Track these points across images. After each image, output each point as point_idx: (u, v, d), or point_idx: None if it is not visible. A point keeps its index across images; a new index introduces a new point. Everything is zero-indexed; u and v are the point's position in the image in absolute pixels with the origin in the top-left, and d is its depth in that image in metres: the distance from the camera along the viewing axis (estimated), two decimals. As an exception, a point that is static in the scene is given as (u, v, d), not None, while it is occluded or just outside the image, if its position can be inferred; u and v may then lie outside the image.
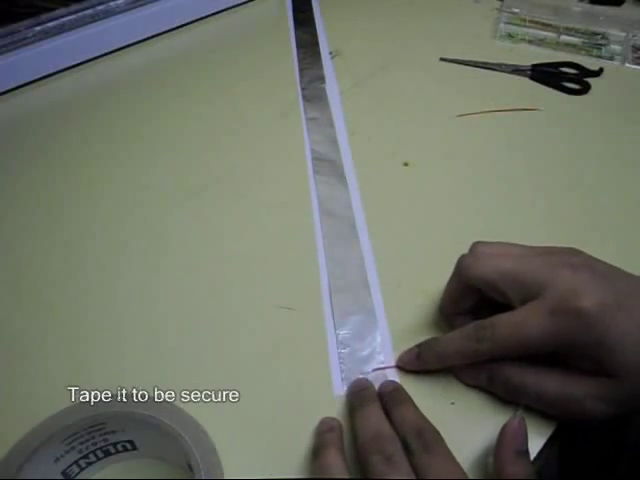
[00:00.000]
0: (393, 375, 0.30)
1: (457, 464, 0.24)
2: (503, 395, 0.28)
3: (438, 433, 0.25)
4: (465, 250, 0.30)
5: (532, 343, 0.26)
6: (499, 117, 0.48)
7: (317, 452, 0.26)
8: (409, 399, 0.27)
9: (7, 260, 0.37)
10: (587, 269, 0.27)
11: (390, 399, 0.27)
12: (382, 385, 0.29)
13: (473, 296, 0.30)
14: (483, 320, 0.28)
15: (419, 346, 0.30)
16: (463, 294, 0.30)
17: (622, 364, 0.25)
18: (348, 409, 0.28)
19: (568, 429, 0.28)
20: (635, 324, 0.25)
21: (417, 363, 0.30)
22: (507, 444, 0.24)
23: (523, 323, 0.26)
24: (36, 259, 0.37)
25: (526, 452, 0.24)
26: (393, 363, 0.31)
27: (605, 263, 0.28)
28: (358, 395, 0.28)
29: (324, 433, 0.27)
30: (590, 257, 0.28)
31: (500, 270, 0.28)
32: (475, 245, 0.30)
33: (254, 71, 0.54)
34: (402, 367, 0.30)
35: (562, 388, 0.26)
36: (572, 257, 0.28)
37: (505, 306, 0.28)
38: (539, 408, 0.27)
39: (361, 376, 0.30)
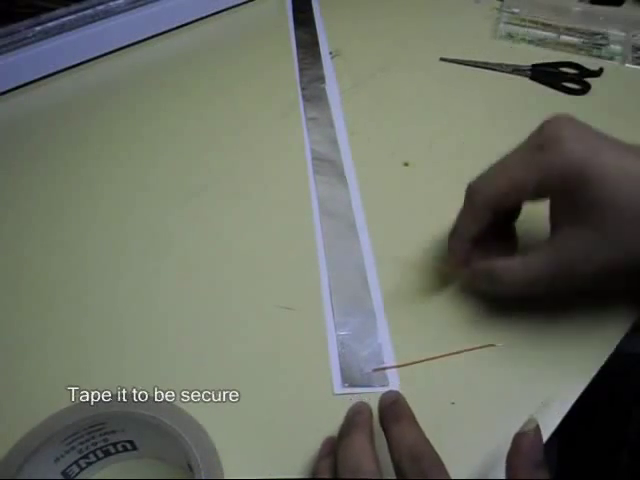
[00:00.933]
0: (393, 375, 0.30)
1: None
2: (506, 286, 0.29)
3: (438, 459, 0.23)
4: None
5: (518, 180, 0.27)
6: (499, 118, 0.48)
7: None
8: (409, 415, 0.25)
9: (7, 260, 0.37)
10: (577, 122, 0.28)
11: (389, 414, 0.25)
12: (382, 398, 0.26)
13: (487, 218, 0.30)
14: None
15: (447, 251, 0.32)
16: (476, 219, 0.30)
17: (605, 196, 0.25)
18: (338, 435, 0.26)
19: (568, 429, 0.28)
20: (617, 156, 0.26)
21: (451, 260, 0.32)
22: (523, 455, 0.23)
23: (508, 162, 0.28)
24: (36, 259, 0.37)
25: (543, 462, 0.23)
26: (393, 363, 0.31)
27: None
28: (349, 420, 0.26)
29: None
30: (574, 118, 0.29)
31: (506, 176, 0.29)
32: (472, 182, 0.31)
33: (254, 71, 0.54)
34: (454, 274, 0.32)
35: (549, 263, 0.27)
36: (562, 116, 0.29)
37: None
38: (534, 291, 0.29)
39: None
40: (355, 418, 0.26)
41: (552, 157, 0.26)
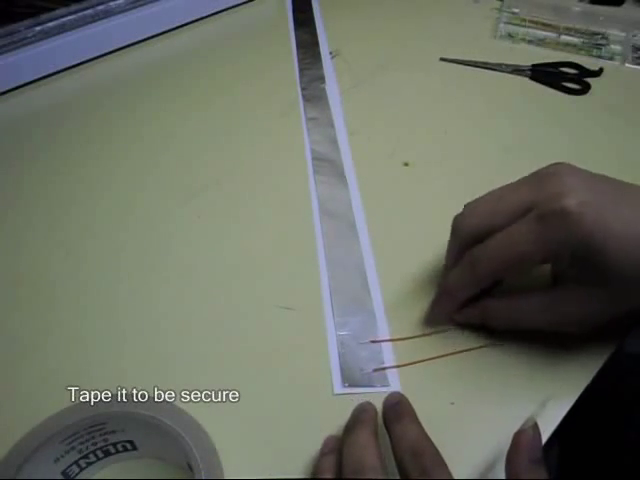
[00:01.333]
0: (394, 375, 0.30)
1: None
2: (497, 326, 0.30)
3: (439, 456, 0.23)
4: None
5: (525, 253, 0.26)
6: (498, 117, 0.49)
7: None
8: (411, 413, 0.26)
9: (7, 260, 0.37)
10: (572, 175, 0.27)
11: (391, 413, 0.26)
12: (386, 399, 0.27)
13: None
14: (477, 246, 0.28)
15: (432, 303, 0.32)
16: (462, 253, 0.30)
17: (611, 265, 0.25)
18: (343, 431, 0.27)
19: (568, 429, 0.28)
20: (621, 222, 0.25)
21: (434, 314, 0.31)
22: (522, 453, 0.23)
23: (514, 234, 0.27)
24: (36, 259, 0.37)
25: (542, 460, 0.23)
26: (393, 363, 0.31)
27: (590, 171, 0.28)
28: (354, 417, 0.27)
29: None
30: (574, 166, 0.28)
31: (487, 211, 0.28)
32: (465, 206, 0.31)
33: (254, 71, 0.54)
34: (433, 322, 0.31)
35: (552, 310, 0.27)
36: (556, 166, 0.28)
37: None
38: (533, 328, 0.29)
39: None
40: (360, 416, 0.26)
41: (557, 232, 0.26)
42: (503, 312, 0.30)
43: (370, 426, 0.25)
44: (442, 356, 0.31)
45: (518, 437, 0.24)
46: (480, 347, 0.31)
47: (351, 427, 0.25)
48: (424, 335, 0.31)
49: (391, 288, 0.34)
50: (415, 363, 0.31)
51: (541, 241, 0.26)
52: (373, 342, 0.31)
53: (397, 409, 0.26)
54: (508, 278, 0.31)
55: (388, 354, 0.31)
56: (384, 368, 0.30)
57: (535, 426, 0.24)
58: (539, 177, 0.28)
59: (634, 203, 0.26)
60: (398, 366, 0.30)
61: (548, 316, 0.28)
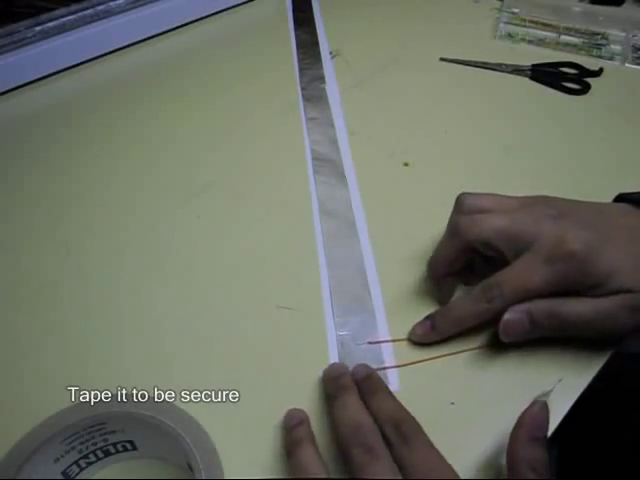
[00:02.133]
0: (393, 375, 0.30)
1: (438, 453, 0.24)
2: (549, 332, 0.30)
3: (416, 423, 0.25)
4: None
5: (537, 291, 0.29)
6: (498, 117, 0.49)
7: (291, 450, 0.26)
8: (384, 387, 0.27)
9: (7, 260, 0.37)
10: (565, 217, 0.30)
11: (365, 388, 0.27)
12: (355, 371, 0.29)
13: (467, 256, 0.32)
14: (487, 280, 0.30)
15: (430, 317, 0.31)
16: (459, 255, 0.32)
17: (624, 282, 0.28)
18: (325, 396, 0.29)
19: (567, 429, 0.28)
20: (622, 252, 0.28)
21: (433, 334, 0.31)
22: (524, 427, 0.24)
23: (526, 275, 0.29)
24: (36, 259, 0.37)
25: (543, 439, 0.24)
26: (393, 363, 0.31)
27: (573, 203, 0.31)
28: (334, 383, 0.28)
29: (294, 428, 0.27)
30: (561, 202, 0.31)
31: (495, 229, 0.30)
32: (463, 200, 0.32)
33: (254, 71, 0.54)
34: (417, 342, 0.31)
35: (595, 307, 0.28)
36: (549, 209, 0.30)
37: (488, 262, 0.31)
38: (578, 333, 0.29)
39: (335, 361, 0.30)
40: (340, 381, 0.28)
41: (567, 273, 0.28)
42: (552, 306, 0.29)
43: (354, 390, 0.27)
44: (442, 356, 0.31)
45: (523, 414, 0.25)
46: (480, 347, 0.31)
47: (337, 393, 0.27)
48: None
49: (391, 288, 0.34)
50: (415, 363, 0.31)
51: (554, 281, 0.28)
52: (370, 343, 0.31)
53: (369, 384, 0.28)
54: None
55: (388, 354, 0.31)
56: (384, 368, 0.30)
57: (543, 405, 0.25)
58: (536, 215, 0.30)
59: (623, 238, 0.29)
60: (398, 366, 0.30)
61: (594, 311, 0.29)
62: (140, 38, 0.57)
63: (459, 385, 0.30)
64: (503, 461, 0.25)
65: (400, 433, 0.24)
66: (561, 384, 0.29)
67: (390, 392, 0.27)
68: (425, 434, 0.25)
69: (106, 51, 0.56)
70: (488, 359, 0.31)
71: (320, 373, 0.30)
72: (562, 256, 0.28)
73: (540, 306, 0.29)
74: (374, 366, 0.30)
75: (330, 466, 0.25)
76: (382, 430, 0.25)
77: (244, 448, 0.27)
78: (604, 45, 0.58)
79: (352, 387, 0.27)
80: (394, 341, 0.32)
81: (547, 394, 0.25)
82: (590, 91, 0.51)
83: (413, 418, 0.25)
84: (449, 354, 0.31)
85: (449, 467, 0.24)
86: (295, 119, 0.48)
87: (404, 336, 0.32)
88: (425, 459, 0.23)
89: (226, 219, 0.39)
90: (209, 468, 0.23)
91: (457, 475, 0.23)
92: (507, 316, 0.29)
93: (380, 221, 0.39)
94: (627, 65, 0.55)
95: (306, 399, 0.29)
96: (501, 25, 0.60)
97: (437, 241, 0.37)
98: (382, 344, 0.31)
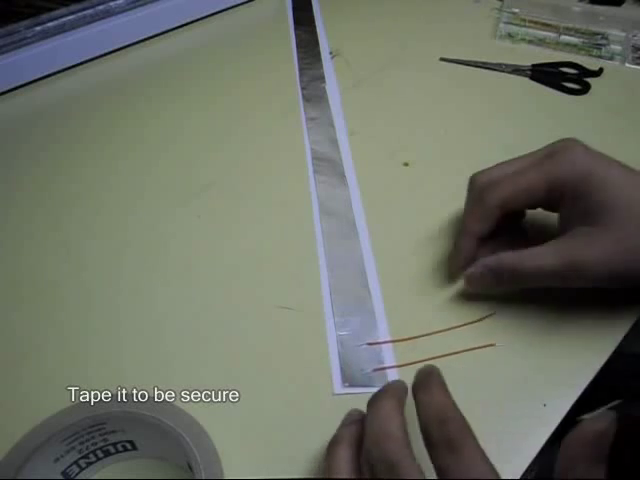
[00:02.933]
0: (393, 375, 0.30)
1: (487, 463, 0.21)
2: (510, 285, 0.31)
3: (465, 424, 0.22)
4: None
5: (530, 183, 0.30)
6: (498, 117, 0.48)
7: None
8: (440, 383, 0.24)
9: (7, 260, 0.37)
10: (585, 144, 0.31)
11: (420, 383, 0.25)
12: (418, 371, 0.26)
13: (496, 217, 0.32)
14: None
15: (453, 246, 0.34)
16: (486, 218, 0.32)
17: (609, 203, 0.27)
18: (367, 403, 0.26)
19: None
20: (619, 170, 0.29)
21: (454, 257, 0.33)
22: (587, 443, 0.21)
23: (523, 168, 0.31)
24: (36, 259, 0.37)
25: (605, 460, 0.21)
26: (393, 363, 0.31)
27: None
28: (382, 389, 0.25)
29: (341, 427, 0.25)
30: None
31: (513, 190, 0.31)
32: (475, 179, 0.33)
33: (254, 71, 0.54)
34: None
35: (560, 255, 0.28)
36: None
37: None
38: (542, 285, 0.30)
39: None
40: (387, 387, 0.25)
41: (561, 164, 0.29)
42: (515, 260, 0.30)
43: (395, 397, 0.24)
44: (442, 356, 0.31)
45: (587, 426, 0.22)
46: (480, 347, 0.31)
47: (376, 398, 0.25)
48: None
49: (391, 288, 0.34)
50: (415, 363, 0.31)
51: (544, 172, 0.29)
52: (370, 344, 0.31)
53: (427, 379, 0.25)
54: (514, 210, 0.32)
55: (388, 354, 0.31)
56: (384, 368, 0.30)
57: (613, 421, 0.22)
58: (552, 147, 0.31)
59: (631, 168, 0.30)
60: (398, 366, 0.30)
61: (558, 259, 0.28)
62: (140, 38, 0.57)
63: (459, 385, 0.30)
64: (503, 461, 0.25)
65: (444, 433, 0.21)
66: (562, 384, 0.29)
67: (445, 389, 0.24)
68: (474, 436, 0.22)
69: (106, 51, 0.56)
70: (488, 359, 0.31)
71: (319, 373, 0.30)
72: (560, 149, 0.29)
73: (501, 261, 0.30)
74: (374, 366, 0.30)
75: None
76: (425, 427, 0.22)
77: (244, 448, 0.27)
78: (604, 45, 0.58)
79: (394, 394, 0.25)
80: (393, 342, 0.32)
81: (612, 414, 0.22)
82: (590, 91, 0.51)
83: (462, 417, 0.22)
84: (449, 354, 0.31)
85: (497, 477, 0.21)
86: (295, 119, 0.48)
87: (404, 336, 0.32)
88: (473, 471, 0.20)
89: (226, 219, 0.39)
90: (209, 468, 0.23)
91: None
92: (470, 270, 0.31)
93: (380, 221, 0.39)
94: (627, 65, 0.55)
95: (306, 399, 0.29)
96: (501, 25, 0.60)
97: (437, 241, 0.37)
98: (382, 345, 0.31)
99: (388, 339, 0.32)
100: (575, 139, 0.31)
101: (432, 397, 0.23)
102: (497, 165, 0.33)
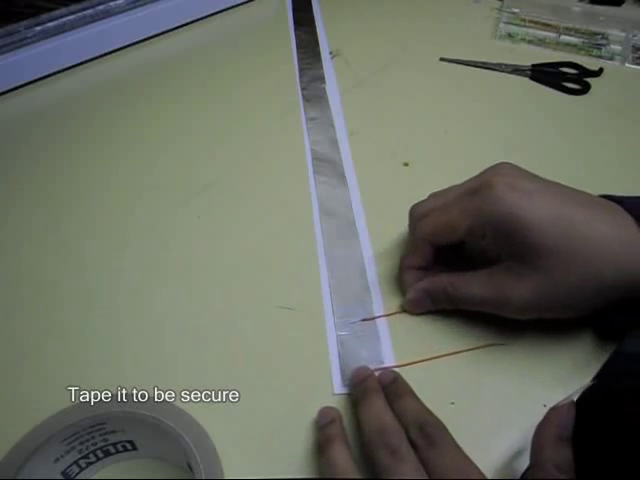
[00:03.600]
0: (393, 375, 0.30)
1: (464, 455, 0.24)
2: (448, 306, 0.31)
3: (441, 425, 0.25)
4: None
5: (453, 220, 0.30)
6: (498, 117, 0.48)
7: (322, 447, 0.26)
8: (409, 391, 0.27)
9: (7, 260, 0.37)
10: (507, 167, 0.30)
11: (390, 392, 0.27)
12: (381, 376, 0.29)
13: (427, 250, 0.33)
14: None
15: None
16: (417, 250, 0.33)
17: (533, 241, 0.27)
18: (352, 400, 0.29)
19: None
20: (541, 205, 0.27)
21: (403, 287, 0.34)
22: (551, 427, 0.24)
23: (448, 205, 0.31)
24: (36, 259, 0.37)
25: (569, 439, 0.24)
26: (393, 363, 0.31)
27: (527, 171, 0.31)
28: (360, 385, 0.28)
29: (326, 426, 0.27)
30: (514, 165, 0.31)
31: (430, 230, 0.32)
32: (411, 212, 0.34)
33: (254, 71, 0.54)
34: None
35: (490, 286, 0.29)
36: (498, 164, 0.31)
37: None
38: (473, 308, 0.31)
39: (362, 364, 0.30)
40: (367, 384, 0.28)
41: (482, 203, 0.29)
42: (448, 284, 0.31)
43: (380, 392, 0.27)
44: (442, 356, 0.31)
45: (550, 412, 0.24)
46: (480, 347, 0.31)
47: (363, 395, 0.27)
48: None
49: (391, 289, 0.34)
50: (415, 363, 0.31)
51: (467, 210, 0.29)
52: (364, 320, 0.33)
53: (395, 388, 0.28)
54: (443, 244, 0.32)
55: (388, 354, 0.31)
56: (384, 368, 0.30)
57: (571, 405, 0.24)
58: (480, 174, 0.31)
59: (557, 192, 0.29)
60: (398, 366, 0.30)
61: (488, 290, 0.29)
62: (140, 38, 0.57)
63: (459, 385, 0.30)
64: (502, 461, 0.25)
65: (425, 435, 0.24)
66: (560, 385, 0.29)
67: (415, 396, 0.27)
68: (450, 435, 0.25)
69: (106, 51, 0.56)
70: (488, 359, 0.31)
71: (319, 373, 0.30)
72: (482, 184, 0.29)
73: (436, 284, 0.31)
74: (373, 366, 0.30)
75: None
76: (407, 433, 0.25)
77: (244, 448, 0.27)
78: (604, 45, 0.58)
79: (378, 389, 0.28)
80: (388, 315, 0.33)
81: (571, 397, 0.25)
82: (590, 91, 0.51)
83: (438, 419, 0.25)
84: (449, 354, 0.31)
85: (476, 468, 0.24)
86: (295, 119, 0.48)
87: (404, 337, 0.32)
88: (451, 460, 0.23)
89: (226, 219, 0.39)
90: (209, 468, 0.23)
91: (484, 475, 0.23)
92: (409, 296, 0.32)
93: (380, 221, 0.39)
94: (627, 65, 0.55)
95: (306, 399, 0.29)
96: (501, 25, 0.60)
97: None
98: (382, 345, 0.31)
99: (387, 339, 0.32)
100: (509, 165, 0.31)
101: (407, 405, 0.26)
102: (432, 195, 0.33)
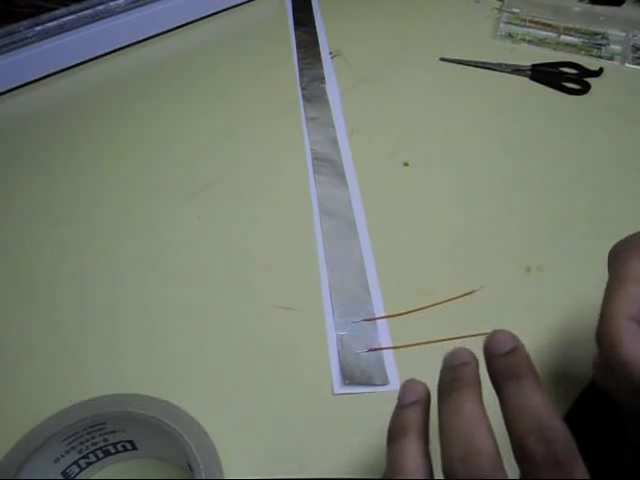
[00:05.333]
0: (394, 374, 0.30)
1: None
2: None
3: (570, 437, 0.17)
4: (464, 251, 0.30)
5: None
6: (498, 117, 0.48)
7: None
8: (532, 372, 0.19)
9: (7, 260, 0.37)
10: None
11: (504, 367, 0.19)
12: (492, 342, 0.20)
13: None
14: None
15: None
16: None
17: None
18: (438, 389, 0.20)
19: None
20: None
21: None
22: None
23: None
24: (36, 259, 0.37)
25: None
26: (393, 363, 0.31)
27: None
28: (451, 373, 0.20)
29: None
30: None
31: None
32: None
33: (254, 71, 0.54)
34: None
35: None
36: None
37: None
38: None
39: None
40: (461, 372, 0.20)
41: None
42: None
43: (476, 388, 0.19)
44: (439, 340, 0.31)
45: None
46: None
47: (450, 386, 0.19)
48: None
49: (391, 288, 0.34)
50: (412, 345, 0.30)
51: None
52: (366, 320, 0.32)
53: (513, 361, 0.19)
54: None
55: (388, 353, 0.31)
56: (380, 348, 0.30)
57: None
58: None
59: None
60: (395, 348, 0.30)
61: None
62: (140, 38, 0.57)
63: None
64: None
65: (552, 454, 0.17)
66: (560, 385, 0.29)
67: (539, 380, 0.19)
68: (582, 461, 0.17)
69: (106, 51, 0.56)
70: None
71: (319, 373, 0.30)
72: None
73: None
74: (374, 366, 0.30)
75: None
76: (520, 438, 0.17)
77: (244, 448, 0.27)
78: (604, 45, 0.58)
79: (474, 384, 0.19)
80: (389, 317, 0.32)
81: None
82: (590, 91, 0.51)
83: (566, 428, 0.17)
84: (447, 339, 0.31)
85: None
86: (295, 119, 0.48)
87: (403, 336, 0.32)
88: None
89: (226, 219, 0.39)
90: (209, 468, 0.23)
91: None
92: None
93: (380, 221, 0.39)
94: (627, 65, 0.55)
95: (306, 399, 0.29)
96: (501, 25, 0.60)
97: (437, 241, 0.37)
98: (382, 343, 0.31)
99: (387, 339, 0.32)
100: None
101: (527, 397, 0.18)
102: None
